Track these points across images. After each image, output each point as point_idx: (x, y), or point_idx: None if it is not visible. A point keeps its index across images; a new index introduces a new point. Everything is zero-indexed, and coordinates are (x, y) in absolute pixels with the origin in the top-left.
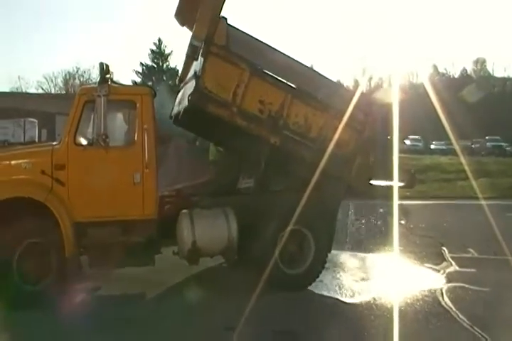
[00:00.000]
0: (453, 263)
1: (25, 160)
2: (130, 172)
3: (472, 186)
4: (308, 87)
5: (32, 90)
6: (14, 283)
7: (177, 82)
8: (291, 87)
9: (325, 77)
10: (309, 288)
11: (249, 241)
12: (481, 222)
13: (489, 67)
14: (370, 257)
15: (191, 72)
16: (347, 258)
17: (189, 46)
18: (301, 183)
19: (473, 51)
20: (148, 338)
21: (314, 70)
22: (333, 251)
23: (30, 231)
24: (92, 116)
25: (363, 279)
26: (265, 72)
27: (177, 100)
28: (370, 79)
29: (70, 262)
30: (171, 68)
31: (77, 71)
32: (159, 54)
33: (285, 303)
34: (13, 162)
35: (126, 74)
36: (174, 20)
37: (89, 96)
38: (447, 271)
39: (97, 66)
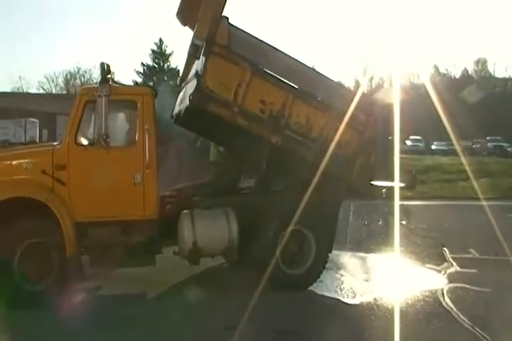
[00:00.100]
0: (454, 263)
1: (26, 160)
2: (131, 172)
3: (473, 187)
4: (309, 87)
5: (33, 90)
6: (15, 282)
7: (178, 81)
8: (293, 86)
9: (326, 77)
10: (310, 288)
11: (250, 242)
12: (482, 223)
13: (490, 68)
14: (371, 257)
15: (193, 72)
16: (348, 259)
17: (191, 45)
18: (302, 183)
19: (474, 51)
20: (149, 338)
21: (315, 70)
22: (333, 252)
23: (31, 231)
24: (93, 116)
25: (363, 279)
26: (267, 72)
27: (178, 100)
28: (371, 79)
29: (70, 262)
30: (172, 68)
31: (78, 71)
32: (160, 54)
33: (286, 303)
34: (14, 162)
35: (127, 74)
36: (175, 19)
37: (90, 97)
38: (448, 271)
39: (98, 66)
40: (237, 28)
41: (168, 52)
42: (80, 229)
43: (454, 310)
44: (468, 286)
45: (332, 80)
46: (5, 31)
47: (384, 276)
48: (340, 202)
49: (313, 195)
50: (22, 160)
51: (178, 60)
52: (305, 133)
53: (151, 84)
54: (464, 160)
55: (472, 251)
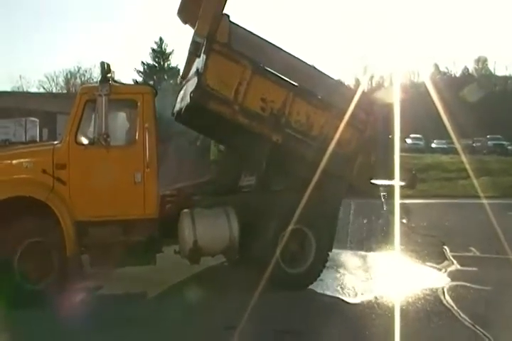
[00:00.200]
0: (454, 261)
1: (26, 160)
2: (131, 171)
3: (473, 185)
4: (309, 85)
5: (33, 89)
6: (15, 282)
7: (179, 79)
8: (293, 85)
9: (327, 76)
10: (310, 287)
11: (251, 241)
12: (483, 221)
13: (491, 66)
14: (372, 256)
15: (193, 69)
16: (348, 257)
17: (191, 43)
18: (302, 182)
19: (474, 50)
20: (149, 337)
21: (316, 68)
22: (334, 250)
23: (32, 231)
24: (93, 116)
25: (364, 278)
26: (267, 70)
27: (179, 97)
28: (371, 78)
29: (71, 261)
30: (173, 67)
31: (79, 70)
32: (160, 53)
33: (286, 302)
34: (14, 161)
35: (127, 73)
36: (176, 18)
37: (91, 96)
38: (449, 269)
39: (98, 65)
40: (238, 25)
41: (168, 51)
42: (80, 229)
43: (455, 308)
44: (468, 284)
45: (332, 78)
46: (5, 31)
47: (384, 275)
48: (341, 201)
49: (314, 194)
50: (22, 160)
51: (178, 59)
52: (305, 131)
53: (151, 83)
54: (464, 158)
55: (473, 249)
